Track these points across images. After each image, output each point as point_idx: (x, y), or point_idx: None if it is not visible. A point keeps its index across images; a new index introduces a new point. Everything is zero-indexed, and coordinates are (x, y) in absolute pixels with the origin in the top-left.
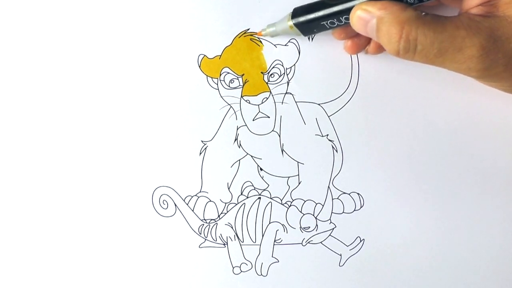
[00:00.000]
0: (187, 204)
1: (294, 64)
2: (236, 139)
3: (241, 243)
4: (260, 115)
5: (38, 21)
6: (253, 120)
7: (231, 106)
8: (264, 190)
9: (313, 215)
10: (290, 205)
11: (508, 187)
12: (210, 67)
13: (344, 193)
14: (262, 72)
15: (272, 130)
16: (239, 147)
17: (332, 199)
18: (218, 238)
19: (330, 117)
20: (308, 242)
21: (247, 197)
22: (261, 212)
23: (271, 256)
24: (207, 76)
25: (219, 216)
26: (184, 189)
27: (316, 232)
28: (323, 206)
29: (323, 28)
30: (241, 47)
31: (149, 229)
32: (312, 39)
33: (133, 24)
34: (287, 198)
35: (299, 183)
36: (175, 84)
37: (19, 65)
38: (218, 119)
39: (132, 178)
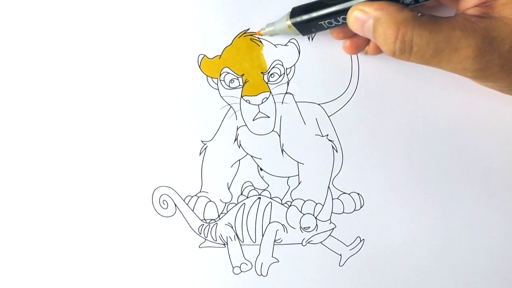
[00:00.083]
0: (187, 204)
1: (294, 64)
2: (236, 139)
3: (241, 243)
4: (260, 115)
5: (38, 21)
6: (253, 120)
7: (231, 106)
8: (264, 190)
9: (313, 215)
10: (290, 205)
11: (508, 187)
12: (210, 67)
13: (344, 193)
14: (262, 72)
15: (272, 130)
16: (239, 147)
17: (332, 199)
18: (218, 238)
19: (330, 117)
20: (308, 242)
21: (247, 197)
22: (261, 212)
23: (271, 256)
24: (207, 76)
25: (219, 216)
26: (184, 189)
27: (316, 232)
28: (323, 206)
29: (321, 28)
30: (241, 47)
31: (149, 229)
32: (312, 39)
33: (133, 24)
34: (287, 198)
35: (299, 183)
36: (175, 84)
37: (19, 65)
38: (218, 119)
39: (132, 178)
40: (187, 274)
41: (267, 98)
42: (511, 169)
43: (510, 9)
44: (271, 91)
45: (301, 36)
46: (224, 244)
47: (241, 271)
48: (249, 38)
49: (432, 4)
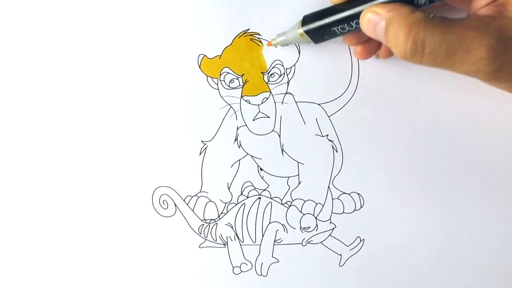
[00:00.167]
0: (187, 204)
1: (294, 64)
2: (236, 139)
3: (241, 243)
4: (260, 115)
5: (38, 21)
6: (253, 120)
7: (231, 106)
8: (264, 190)
9: (313, 215)
10: (290, 205)
11: (508, 187)
12: (210, 67)
13: (344, 193)
14: (262, 72)
15: (272, 130)
16: (239, 147)
17: (332, 199)
18: (218, 238)
19: (330, 117)
20: (308, 242)
21: (247, 197)
22: (261, 212)
23: (271, 256)
24: (207, 76)
25: (219, 216)
26: (184, 189)
27: (316, 232)
28: (323, 206)
29: (334, 35)
30: (241, 47)
31: (149, 229)
32: None
33: (133, 24)
34: (287, 198)
35: (299, 183)
36: (175, 84)
37: (19, 65)
38: (218, 119)
39: (132, 178)
40: (187, 274)
41: (267, 98)
42: (511, 169)
43: None
44: (271, 91)
45: (312, 43)
46: (224, 244)
47: (241, 271)
48: (249, 38)
49: (442, 5)
